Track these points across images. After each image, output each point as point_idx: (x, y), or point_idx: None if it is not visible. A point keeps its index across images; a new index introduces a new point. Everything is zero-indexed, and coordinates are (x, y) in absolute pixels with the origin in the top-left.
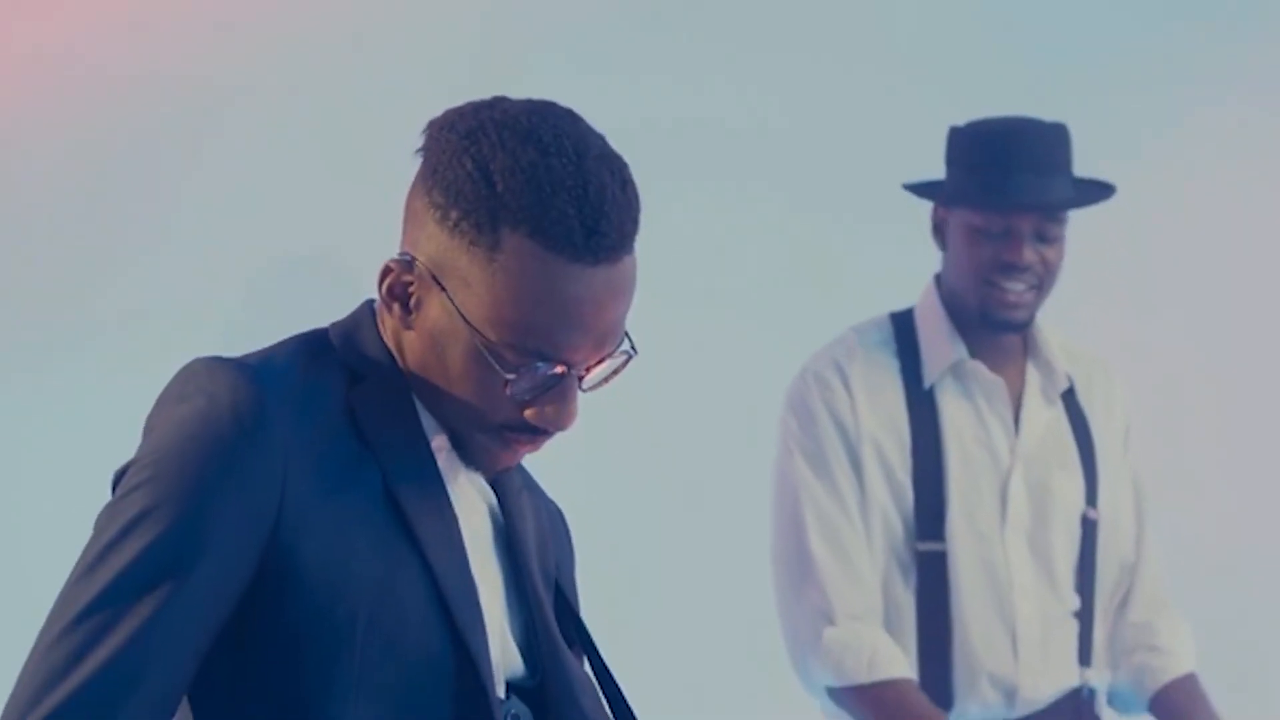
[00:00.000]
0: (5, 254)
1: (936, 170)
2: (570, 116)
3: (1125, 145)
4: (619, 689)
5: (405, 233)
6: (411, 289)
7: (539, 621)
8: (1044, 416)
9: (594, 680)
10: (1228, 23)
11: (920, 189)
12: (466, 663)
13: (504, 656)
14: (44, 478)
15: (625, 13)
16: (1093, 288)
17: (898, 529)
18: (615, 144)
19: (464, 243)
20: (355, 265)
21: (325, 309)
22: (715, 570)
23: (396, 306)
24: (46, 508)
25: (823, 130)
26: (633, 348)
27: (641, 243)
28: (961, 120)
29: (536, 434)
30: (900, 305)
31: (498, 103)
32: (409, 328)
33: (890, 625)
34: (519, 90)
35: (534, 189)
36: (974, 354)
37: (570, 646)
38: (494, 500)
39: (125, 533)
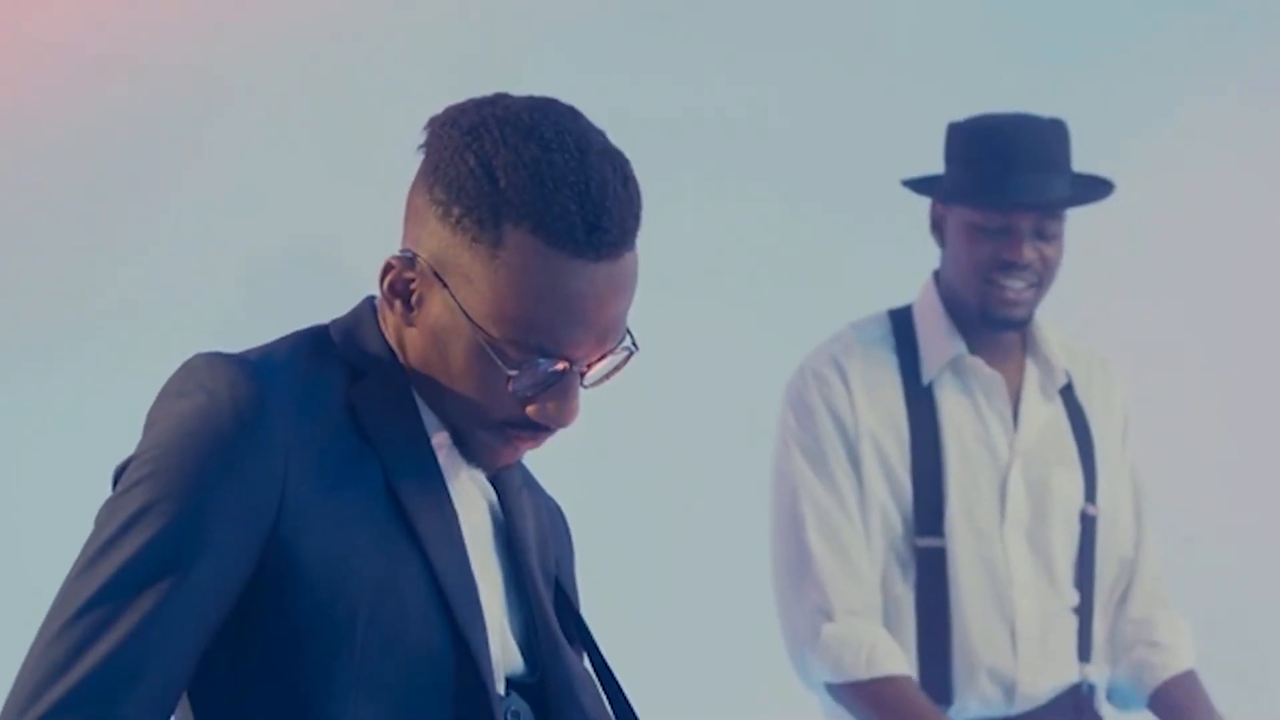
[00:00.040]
0: (4, 250)
1: (935, 167)
2: (572, 113)
3: (1124, 142)
4: (619, 686)
5: (407, 229)
6: (413, 285)
7: (539, 618)
8: (1043, 412)
9: (594, 677)
10: (1226, 19)
11: (919, 184)
12: (467, 659)
13: (504, 653)
14: (44, 473)
15: (625, 11)
16: (1092, 284)
17: (896, 525)
18: (614, 142)
19: (466, 239)
20: (356, 262)
21: (325, 306)
22: (714, 567)
23: (398, 303)
24: (47, 503)
25: (822, 127)
26: (634, 344)
27: (641, 240)
28: (960, 116)
29: (538, 430)
30: (899, 302)
31: (499, 99)
32: (410, 324)
33: (889, 621)
34: (519, 88)
35: (536, 185)
36: (973, 350)
37: (570, 643)
38: (494, 497)
39: (126, 528)
